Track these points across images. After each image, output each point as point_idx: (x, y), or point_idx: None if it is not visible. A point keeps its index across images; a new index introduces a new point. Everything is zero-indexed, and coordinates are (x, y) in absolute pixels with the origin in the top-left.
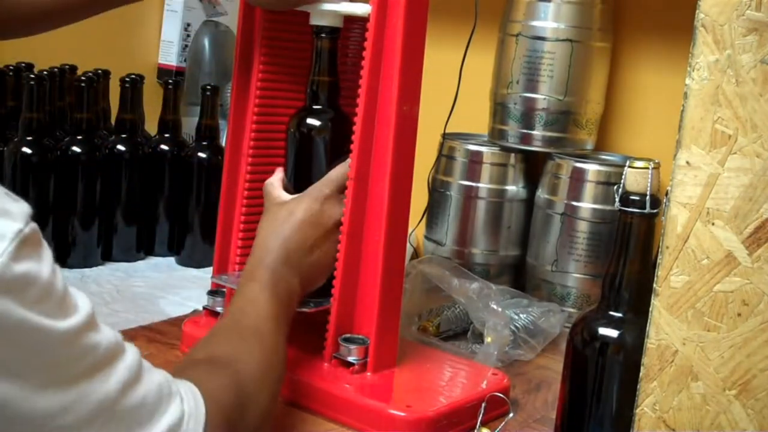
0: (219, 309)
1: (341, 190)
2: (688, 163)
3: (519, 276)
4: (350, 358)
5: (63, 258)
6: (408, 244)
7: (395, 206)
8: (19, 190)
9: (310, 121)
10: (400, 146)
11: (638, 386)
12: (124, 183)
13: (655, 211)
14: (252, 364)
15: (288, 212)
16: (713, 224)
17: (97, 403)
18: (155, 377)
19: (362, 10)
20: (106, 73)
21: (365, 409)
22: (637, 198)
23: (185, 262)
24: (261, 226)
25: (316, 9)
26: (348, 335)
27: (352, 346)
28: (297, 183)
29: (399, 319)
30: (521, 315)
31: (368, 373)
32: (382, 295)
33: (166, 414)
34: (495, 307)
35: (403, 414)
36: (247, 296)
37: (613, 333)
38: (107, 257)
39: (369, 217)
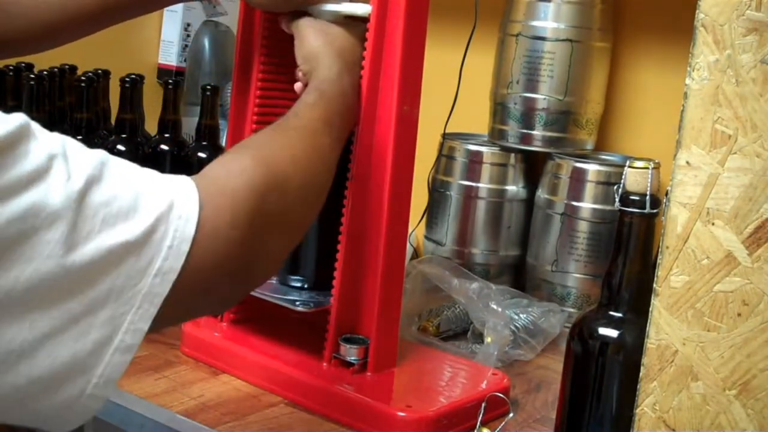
0: None
1: None
2: (688, 163)
3: (519, 276)
4: (350, 358)
5: None
6: (408, 244)
7: (395, 206)
8: None
9: None
10: (400, 146)
11: (638, 386)
12: None
13: (655, 211)
14: (282, 154)
15: (351, 36)
16: (713, 224)
17: (58, 203)
18: (128, 174)
19: (363, 10)
20: (106, 73)
21: (365, 409)
22: (637, 198)
23: None
24: (307, 37)
25: (316, 9)
26: (348, 335)
27: (352, 346)
28: None
29: (399, 319)
30: (521, 315)
31: (368, 373)
32: (382, 295)
33: (147, 207)
34: (495, 307)
35: (403, 414)
36: (305, 101)
37: (613, 333)
38: None
39: (369, 217)
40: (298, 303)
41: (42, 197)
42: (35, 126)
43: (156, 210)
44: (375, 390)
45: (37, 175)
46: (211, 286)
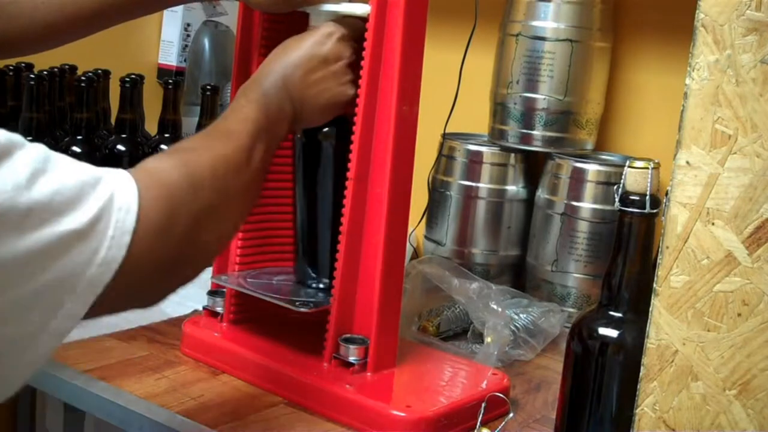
0: (219, 309)
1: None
2: (688, 163)
3: (519, 276)
4: (350, 358)
5: None
6: (408, 244)
7: (395, 206)
8: None
9: None
10: (399, 146)
11: (638, 386)
12: None
13: (655, 211)
14: (212, 152)
15: (296, 41)
16: (713, 224)
17: (9, 191)
18: (71, 166)
19: (362, 10)
20: (106, 73)
21: (365, 409)
22: (637, 198)
23: None
24: (270, 54)
25: (315, 9)
26: (348, 335)
27: (352, 346)
28: (305, 187)
29: (399, 319)
30: (521, 315)
31: (368, 373)
32: (382, 295)
33: (92, 197)
34: (495, 307)
35: (403, 414)
36: (232, 107)
37: (613, 333)
38: None
39: (369, 217)
40: (298, 303)
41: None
42: None
43: (98, 201)
44: (375, 390)
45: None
46: (150, 277)
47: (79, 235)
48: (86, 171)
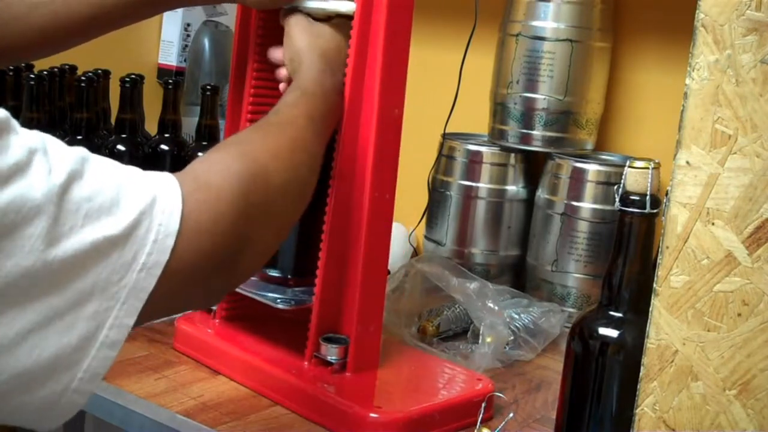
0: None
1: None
2: (688, 163)
3: (519, 276)
4: (330, 358)
5: None
6: (408, 244)
7: (377, 205)
8: None
9: None
10: (382, 145)
11: (638, 386)
12: None
13: (655, 211)
14: (265, 146)
15: (319, 25)
16: (713, 224)
17: (40, 197)
18: (110, 170)
19: (347, 7)
20: (106, 73)
21: (336, 410)
22: (637, 198)
23: None
24: (293, 36)
25: (302, 5)
26: (329, 335)
27: (332, 346)
28: None
29: (382, 319)
30: (521, 315)
31: (348, 374)
32: (363, 295)
33: (131, 201)
34: (492, 305)
35: (374, 415)
36: (286, 100)
37: (613, 333)
38: None
39: (351, 216)
40: (278, 300)
41: (23, 192)
42: (15, 122)
43: (139, 205)
44: (350, 390)
45: (18, 169)
46: (197, 281)
47: (115, 241)
48: (126, 174)
